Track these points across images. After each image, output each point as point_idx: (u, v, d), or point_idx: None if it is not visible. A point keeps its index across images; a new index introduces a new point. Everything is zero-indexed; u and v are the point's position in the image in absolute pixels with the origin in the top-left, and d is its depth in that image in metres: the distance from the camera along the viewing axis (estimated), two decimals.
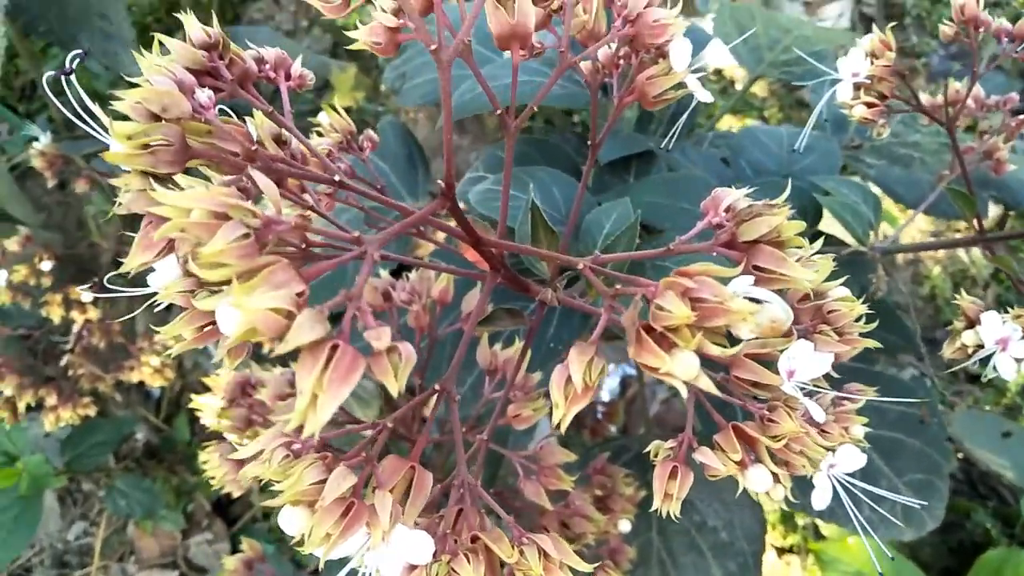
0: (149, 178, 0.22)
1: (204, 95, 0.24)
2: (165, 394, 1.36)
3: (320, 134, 0.46)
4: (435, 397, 0.34)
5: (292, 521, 0.25)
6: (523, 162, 0.66)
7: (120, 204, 0.24)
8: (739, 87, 1.61)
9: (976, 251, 1.44)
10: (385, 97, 1.46)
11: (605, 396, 1.18)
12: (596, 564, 0.62)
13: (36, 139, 0.96)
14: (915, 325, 0.54)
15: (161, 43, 0.27)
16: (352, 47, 0.32)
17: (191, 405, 0.59)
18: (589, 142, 0.41)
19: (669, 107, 0.72)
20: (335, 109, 0.46)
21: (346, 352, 0.18)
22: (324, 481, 0.24)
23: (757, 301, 0.22)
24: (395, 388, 0.19)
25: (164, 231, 0.20)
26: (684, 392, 0.20)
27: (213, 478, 0.57)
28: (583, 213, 0.57)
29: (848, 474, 0.37)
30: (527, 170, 0.61)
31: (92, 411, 0.98)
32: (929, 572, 1.11)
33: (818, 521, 1.21)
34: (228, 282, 0.20)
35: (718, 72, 1.63)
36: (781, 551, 1.27)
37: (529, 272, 0.47)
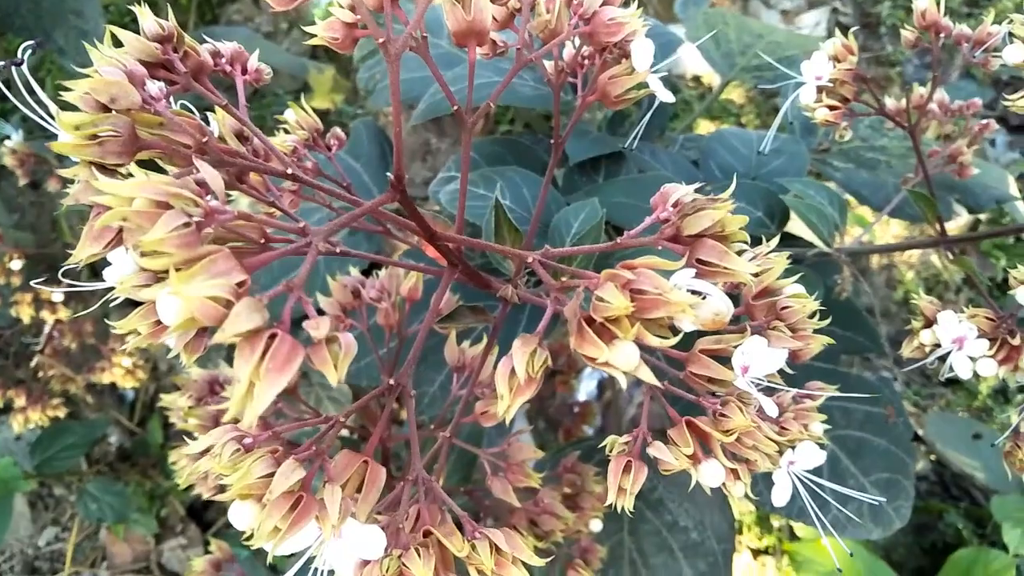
0: (94, 168, 0.22)
1: (155, 87, 0.24)
2: (139, 397, 1.35)
3: (287, 131, 0.46)
4: (402, 394, 0.34)
5: (241, 515, 0.25)
6: (495, 162, 0.66)
7: (68, 196, 0.24)
8: None
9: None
10: (363, 99, 1.46)
11: (582, 397, 1.18)
12: (567, 563, 0.63)
13: (8, 137, 0.95)
14: (879, 325, 0.55)
15: (114, 35, 0.27)
16: (313, 42, 0.32)
17: (163, 406, 0.59)
18: (553, 141, 0.41)
19: (641, 108, 0.72)
20: (302, 107, 0.46)
21: (284, 341, 0.18)
22: (272, 475, 0.24)
23: (700, 294, 0.22)
24: (334, 378, 0.19)
25: (106, 219, 0.20)
26: (623, 382, 0.20)
27: (182, 479, 0.56)
28: (553, 212, 0.57)
29: (815, 473, 0.38)
30: (498, 170, 0.61)
31: (62, 413, 0.97)
32: (902, 572, 1.12)
33: (792, 523, 1.22)
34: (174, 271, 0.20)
35: (696, 79, 1.64)
36: (756, 552, 1.27)
37: (498, 271, 0.48)
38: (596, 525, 0.62)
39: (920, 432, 1.30)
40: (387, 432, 0.34)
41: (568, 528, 0.55)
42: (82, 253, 0.24)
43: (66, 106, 0.24)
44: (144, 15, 0.26)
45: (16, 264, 0.91)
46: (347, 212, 0.44)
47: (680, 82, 1.63)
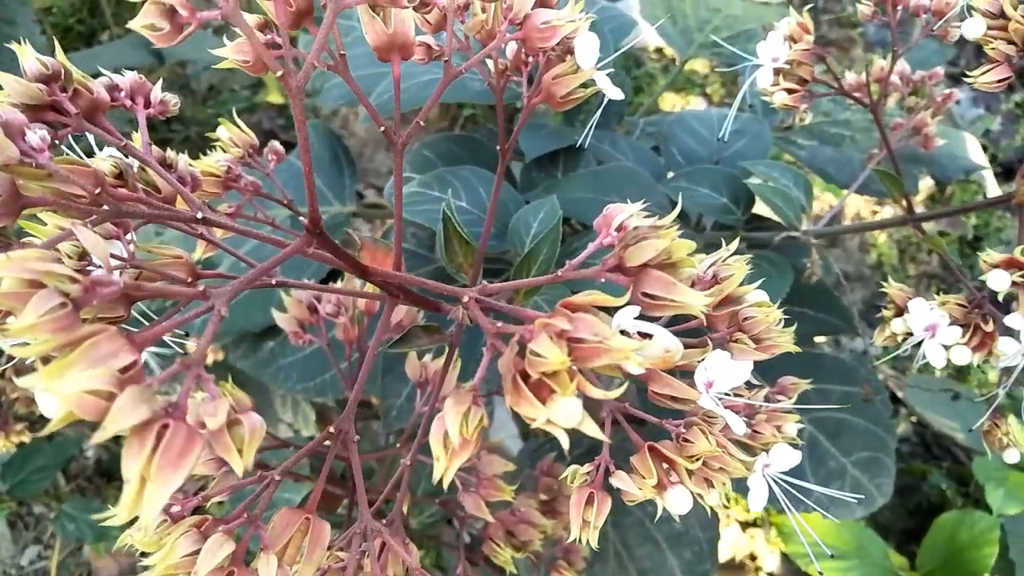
0: None
1: (36, 136, 0.22)
2: None
3: (224, 149, 0.44)
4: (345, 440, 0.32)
5: None
6: (451, 161, 0.64)
7: None
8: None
9: None
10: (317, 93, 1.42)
11: None
12: (550, 564, 0.61)
13: None
14: (851, 303, 0.53)
15: None
16: (223, 66, 0.29)
17: None
18: (499, 147, 0.39)
19: (599, 97, 0.70)
20: (235, 122, 0.43)
21: (178, 432, 0.16)
22: (199, 552, 0.22)
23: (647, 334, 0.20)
24: (239, 466, 0.17)
25: None
26: (566, 442, 0.18)
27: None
28: (511, 212, 0.55)
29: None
30: (452, 170, 0.59)
31: (27, 438, 0.94)
32: (889, 535, 1.13)
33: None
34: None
35: (659, 50, 1.61)
36: (745, 525, 1.28)
37: (454, 279, 0.46)
38: None
39: (900, 395, 1.31)
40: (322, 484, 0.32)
41: (546, 535, 0.54)
42: None
43: None
44: (24, 53, 0.24)
45: None
46: (292, 227, 0.42)
47: (643, 55, 1.60)
